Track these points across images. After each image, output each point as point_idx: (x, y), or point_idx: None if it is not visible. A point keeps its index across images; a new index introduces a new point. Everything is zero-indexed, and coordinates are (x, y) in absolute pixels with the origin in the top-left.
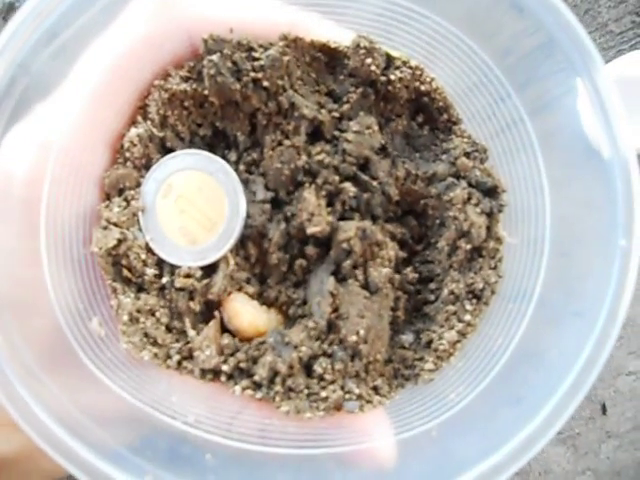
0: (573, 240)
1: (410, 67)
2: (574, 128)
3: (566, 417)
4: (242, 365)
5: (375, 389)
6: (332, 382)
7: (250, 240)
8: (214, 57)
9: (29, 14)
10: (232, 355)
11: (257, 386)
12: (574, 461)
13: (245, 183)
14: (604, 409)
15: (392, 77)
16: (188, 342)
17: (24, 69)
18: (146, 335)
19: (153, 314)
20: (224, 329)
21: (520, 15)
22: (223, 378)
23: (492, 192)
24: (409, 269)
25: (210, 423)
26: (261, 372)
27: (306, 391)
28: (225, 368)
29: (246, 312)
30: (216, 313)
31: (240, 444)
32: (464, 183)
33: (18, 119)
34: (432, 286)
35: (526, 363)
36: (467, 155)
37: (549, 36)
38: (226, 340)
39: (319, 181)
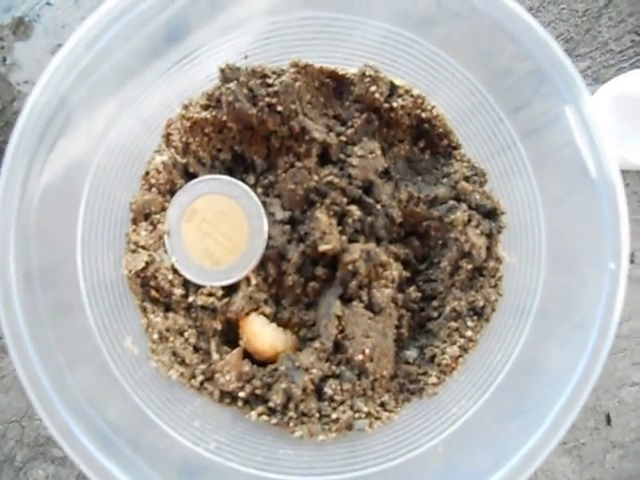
0: (569, 254)
1: (412, 95)
2: (564, 151)
3: (567, 427)
4: (258, 392)
5: (382, 405)
6: (342, 403)
7: (270, 261)
8: (231, 85)
9: (70, 50)
10: (249, 382)
11: (272, 412)
12: (579, 471)
13: (263, 205)
14: (609, 420)
15: (395, 104)
16: (212, 364)
17: (63, 102)
18: (174, 354)
19: (182, 334)
20: (245, 354)
21: (512, 44)
22: (240, 403)
23: (491, 214)
24: (412, 288)
25: (230, 450)
26: (275, 398)
27: (317, 414)
28: (242, 395)
29: (267, 334)
30: (241, 342)
31: (258, 472)
32: (464, 206)
33: (58, 145)
34: (435, 304)
35: (526, 376)
36: (467, 179)
37: (538, 64)
38: (246, 367)
39: (327, 201)
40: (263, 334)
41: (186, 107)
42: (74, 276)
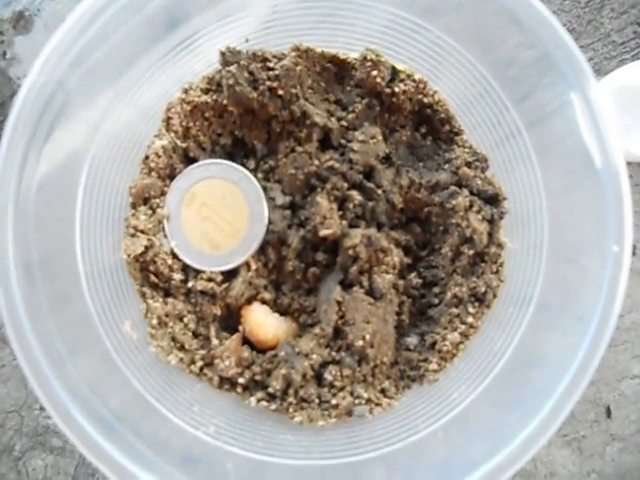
0: (571, 245)
1: (414, 80)
2: (569, 140)
3: (564, 417)
4: (257, 378)
5: (383, 391)
6: (342, 389)
7: (270, 246)
8: (232, 68)
9: (66, 33)
10: (248, 367)
11: (271, 397)
12: (579, 463)
13: (264, 190)
14: (609, 412)
15: (396, 89)
16: (211, 349)
17: (60, 86)
18: (174, 339)
19: (181, 319)
20: (244, 340)
21: (518, 30)
22: (239, 389)
23: (493, 200)
24: (413, 274)
25: (229, 435)
26: (275, 384)
27: (317, 400)
28: (241, 380)
29: (270, 324)
30: (240, 328)
31: (258, 456)
32: (466, 191)
33: (55, 133)
34: (436, 290)
35: (526, 364)
36: (468, 165)
37: (545, 51)
38: (246, 353)
39: (328, 186)
40: (266, 324)
41: (186, 91)
42: (73, 262)
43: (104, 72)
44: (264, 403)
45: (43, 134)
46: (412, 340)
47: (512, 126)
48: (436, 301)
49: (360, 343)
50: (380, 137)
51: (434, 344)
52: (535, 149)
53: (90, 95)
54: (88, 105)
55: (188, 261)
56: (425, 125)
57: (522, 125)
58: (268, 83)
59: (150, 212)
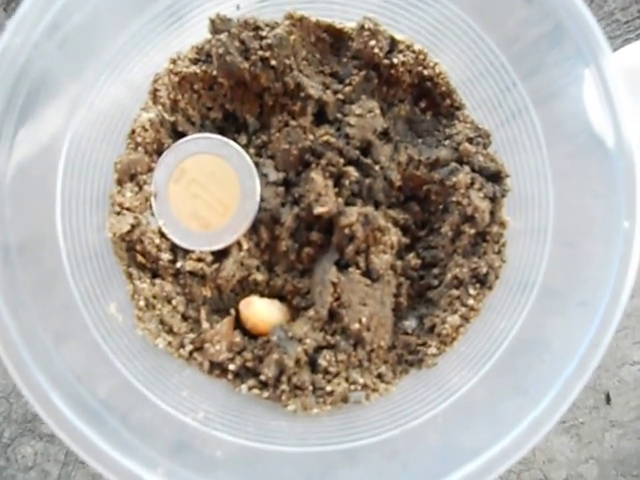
0: (577, 229)
1: (414, 51)
2: (579, 117)
3: (569, 404)
4: (249, 364)
5: (379, 377)
6: (336, 374)
7: (262, 224)
8: (222, 36)
9: (30, 8)
10: (239, 353)
11: (263, 385)
12: (577, 450)
13: (256, 166)
14: (608, 398)
15: (395, 60)
16: (201, 333)
17: (30, 63)
18: (162, 322)
19: (169, 301)
20: (236, 325)
21: (529, 2)
22: (230, 376)
23: (495, 177)
24: (412, 255)
25: (219, 421)
26: (267, 371)
27: (311, 387)
28: (232, 367)
29: (274, 318)
30: (232, 310)
31: (249, 442)
32: (467, 168)
33: (30, 111)
34: (435, 271)
35: (529, 348)
36: (470, 140)
37: (557, 23)
38: (237, 338)
39: (323, 162)
40: (271, 318)
41: (174, 61)
42: (54, 244)
43: (85, 41)
44: (256, 391)
45: (18, 106)
46: (410, 323)
47: (519, 103)
48: (435, 283)
49: (356, 326)
50: (378, 111)
51: (433, 327)
52: (543, 126)
53: (70, 66)
54: (69, 77)
55: (176, 240)
56: (425, 99)
57: (530, 101)
58: (260, 53)
59: (137, 189)
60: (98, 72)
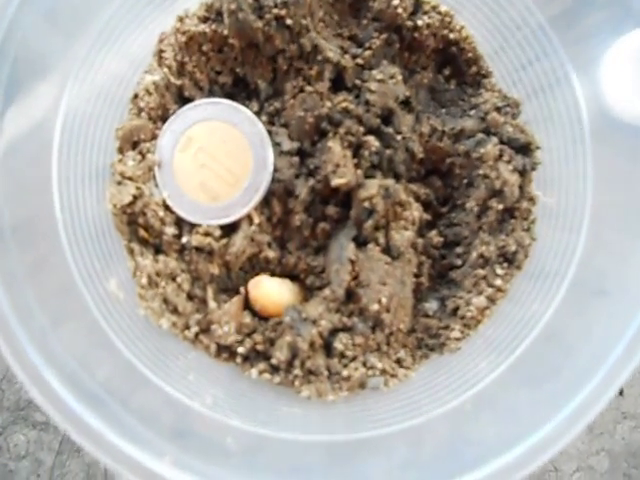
0: (618, 210)
1: (439, 12)
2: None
3: (610, 397)
4: (259, 347)
5: (398, 361)
6: (353, 359)
7: (275, 197)
8: None
9: None
10: (249, 335)
11: (275, 369)
12: (589, 441)
13: (268, 135)
14: (621, 390)
15: (419, 22)
16: (208, 314)
17: (11, 35)
18: (165, 301)
19: (174, 279)
20: (246, 305)
21: None
22: (239, 359)
23: (525, 149)
24: (434, 232)
25: (228, 407)
26: (279, 355)
27: (326, 372)
28: (241, 350)
29: (284, 297)
30: (241, 289)
31: (260, 429)
32: (495, 139)
33: (18, 86)
34: (458, 250)
35: (568, 332)
36: (498, 110)
37: None
38: (247, 319)
39: (342, 131)
40: (282, 299)
41: (181, 19)
42: (51, 218)
43: (72, 10)
44: (267, 375)
45: (3, 85)
46: (431, 305)
47: (558, 70)
48: (459, 262)
49: (375, 307)
50: (400, 77)
51: (456, 309)
52: (585, 95)
53: (58, 37)
54: (58, 49)
55: (182, 213)
56: (449, 66)
57: (571, 68)
58: (275, 11)
59: (139, 157)
60: (90, 43)
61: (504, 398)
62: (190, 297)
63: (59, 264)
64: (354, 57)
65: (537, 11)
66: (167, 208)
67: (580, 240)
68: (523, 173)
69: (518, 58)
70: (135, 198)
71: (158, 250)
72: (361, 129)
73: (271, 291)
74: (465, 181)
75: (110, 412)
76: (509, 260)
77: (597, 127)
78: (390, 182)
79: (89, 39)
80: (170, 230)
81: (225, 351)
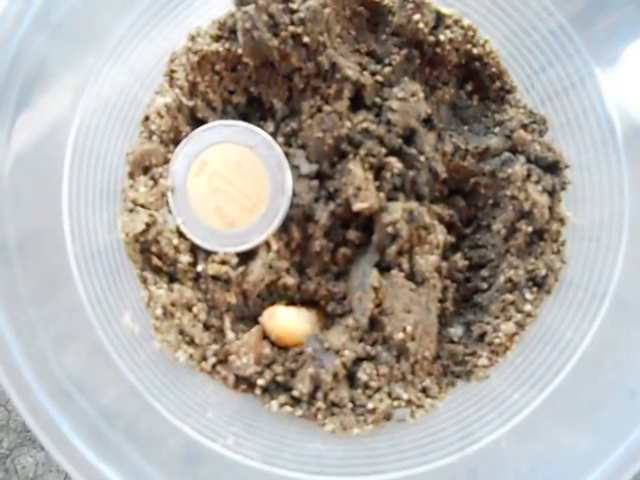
0: None
1: (462, 27)
2: None
3: None
4: (279, 379)
5: (424, 391)
6: (378, 389)
7: (294, 222)
8: (249, 9)
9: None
10: (269, 367)
11: (296, 402)
12: None
13: (285, 157)
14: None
15: (442, 37)
16: (226, 344)
17: (25, 52)
18: (182, 333)
19: (190, 309)
20: (265, 335)
21: None
22: (258, 391)
23: (553, 168)
24: (458, 255)
25: (250, 446)
26: (301, 387)
27: (350, 404)
28: (261, 382)
29: (301, 329)
30: (260, 319)
31: (288, 472)
32: (522, 158)
33: (28, 101)
34: (484, 273)
35: (607, 360)
36: (524, 127)
37: None
38: (266, 349)
39: (362, 152)
40: (298, 330)
41: (193, 38)
42: (61, 243)
43: (82, 26)
44: (288, 408)
45: (13, 100)
46: (456, 331)
47: (582, 70)
48: (484, 286)
49: (400, 336)
50: (422, 94)
51: (483, 335)
52: (612, 97)
53: (68, 53)
54: (68, 65)
55: (197, 241)
56: (471, 82)
57: (596, 66)
58: (291, 28)
59: (151, 183)
60: (101, 59)
61: (544, 435)
62: (207, 327)
63: (67, 287)
64: (373, 74)
65: (555, 10)
66: (181, 235)
67: (618, 260)
68: (552, 193)
69: (537, 60)
70: (148, 226)
71: (172, 279)
72: (382, 150)
73: (287, 322)
74: (490, 201)
75: (111, 444)
76: (538, 284)
77: (629, 131)
78: (414, 205)
79: (101, 56)
80: (185, 258)
81: (244, 382)
